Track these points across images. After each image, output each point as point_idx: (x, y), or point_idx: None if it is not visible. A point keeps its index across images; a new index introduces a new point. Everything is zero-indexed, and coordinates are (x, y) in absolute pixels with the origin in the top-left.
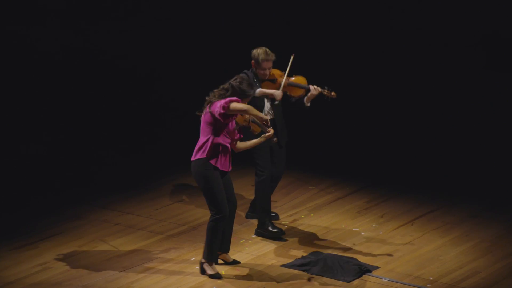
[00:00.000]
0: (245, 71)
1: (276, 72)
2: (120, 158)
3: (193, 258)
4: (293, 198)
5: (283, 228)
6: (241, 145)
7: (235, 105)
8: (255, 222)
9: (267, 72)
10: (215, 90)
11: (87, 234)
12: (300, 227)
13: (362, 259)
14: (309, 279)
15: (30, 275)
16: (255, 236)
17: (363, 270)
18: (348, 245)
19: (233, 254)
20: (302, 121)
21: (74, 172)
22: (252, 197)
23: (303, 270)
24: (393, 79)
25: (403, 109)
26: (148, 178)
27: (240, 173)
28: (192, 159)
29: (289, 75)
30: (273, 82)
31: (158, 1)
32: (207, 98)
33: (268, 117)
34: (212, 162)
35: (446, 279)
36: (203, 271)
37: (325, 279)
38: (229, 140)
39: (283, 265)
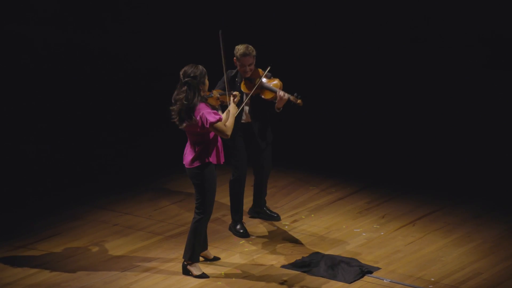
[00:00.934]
0: (228, 70)
1: (260, 71)
2: (119, 158)
3: None
4: (294, 199)
5: (284, 228)
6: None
7: (219, 126)
8: (255, 222)
9: (247, 69)
10: (177, 97)
11: (85, 235)
12: (301, 228)
13: (363, 260)
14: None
15: (28, 276)
16: (254, 236)
17: (364, 271)
18: (349, 246)
19: (232, 255)
20: (302, 121)
21: (73, 172)
22: (251, 197)
23: (304, 271)
24: (394, 79)
25: (404, 108)
26: (147, 178)
27: None
28: (189, 166)
29: (270, 78)
30: (250, 82)
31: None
32: (172, 109)
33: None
34: (214, 161)
35: (448, 280)
36: (186, 272)
37: (325, 280)
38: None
39: (284, 266)
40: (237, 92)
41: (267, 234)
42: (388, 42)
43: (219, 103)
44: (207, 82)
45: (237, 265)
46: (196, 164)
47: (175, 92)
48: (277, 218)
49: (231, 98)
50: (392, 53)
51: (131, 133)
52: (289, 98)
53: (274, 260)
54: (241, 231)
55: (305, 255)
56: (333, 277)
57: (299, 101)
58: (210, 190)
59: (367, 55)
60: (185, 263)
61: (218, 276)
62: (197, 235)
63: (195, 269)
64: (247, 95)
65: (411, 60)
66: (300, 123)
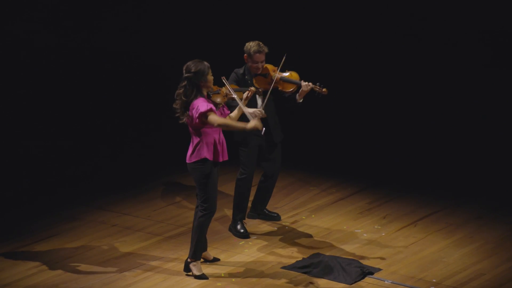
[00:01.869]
0: (236, 69)
1: (269, 66)
2: (117, 158)
3: None
4: (294, 199)
5: (284, 229)
6: (233, 116)
7: (212, 119)
8: (255, 222)
9: (260, 65)
10: (177, 92)
11: (84, 236)
12: (301, 228)
13: (364, 261)
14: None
15: (25, 277)
16: (255, 237)
17: (365, 272)
18: (350, 246)
19: (232, 256)
20: (303, 120)
21: (71, 172)
22: (252, 197)
23: (304, 272)
24: (395, 79)
25: (405, 108)
26: (146, 178)
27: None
28: (188, 161)
29: (282, 70)
30: (265, 77)
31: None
32: (175, 105)
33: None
34: (211, 158)
35: (449, 282)
36: (188, 270)
37: (326, 281)
38: (219, 130)
39: (284, 267)
40: (253, 88)
41: (267, 234)
42: (388, 41)
43: (226, 100)
44: (210, 77)
45: (237, 266)
46: (194, 159)
47: (178, 87)
48: (277, 218)
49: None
50: (392, 53)
51: (130, 133)
52: (313, 88)
53: (274, 261)
54: (242, 231)
55: (305, 256)
56: (334, 278)
57: (324, 89)
58: (210, 186)
59: (367, 55)
60: (188, 260)
61: (217, 277)
62: (201, 231)
63: (196, 269)
64: (264, 90)
65: (412, 59)
66: (300, 123)
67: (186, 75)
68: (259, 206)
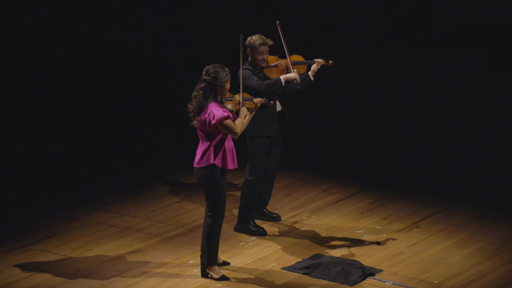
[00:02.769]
0: (245, 66)
1: (271, 57)
2: (116, 158)
3: (191, 261)
4: (295, 199)
5: (284, 230)
6: (238, 123)
7: (228, 124)
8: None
9: (265, 57)
10: (194, 94)
11: (82, 236)
12: (302, 229)
13: (365, 261)
14: None
15: (23, 278)
16: (255, 238)
17: (366, 273)
18: (351, 247)
19: (232, 257)
20: (303, 120)
21: (69, 172)
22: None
23: (305, 273)
24: (397, 79)
25: (407, 108)
26: (145, 179)
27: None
28: (196, 166)
29: (284, 56)
30: (276, 67)
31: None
32: (190, 107)
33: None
34: (220, 165)
35: (451, 283)
36: (205, 275)
37: (327, 283)
38: (228, 136)
39: (284, 268)
40: (260, 99)
41: (267, 235)
42: (390, 41)
43: (238, 108)
44: (228, 86)
45: (237, 267)
46: (202, 164)
47: (195, 89)
48: (278, 218)
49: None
50: (394, 53)
51: (129, 133)
52: (323, 64)
53: (275, 262)
54: (261, 230)
55: (306, 257)
56: (335, 280)
57: (330, 61)
58: (218, 192)
59: (370, 55)
60: (204, 265)
61: (217, 279)
62: (213, 239)
63: (214, 273)
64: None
65: (414, 59)
66: (301, 123)
67: (206, 77)
68: (260, 204)
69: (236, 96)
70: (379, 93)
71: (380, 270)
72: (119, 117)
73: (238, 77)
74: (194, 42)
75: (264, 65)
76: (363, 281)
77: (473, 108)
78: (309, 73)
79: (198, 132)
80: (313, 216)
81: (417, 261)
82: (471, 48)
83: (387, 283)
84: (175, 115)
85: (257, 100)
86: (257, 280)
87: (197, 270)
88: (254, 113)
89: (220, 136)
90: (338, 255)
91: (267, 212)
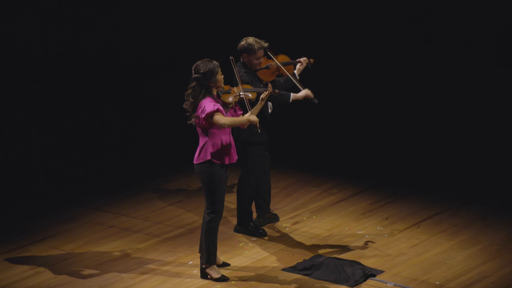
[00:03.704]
0: (245, 71)
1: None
2: (115, 159)
3: (191, 262)
4: (295, 200)
5: (285, 230)
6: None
7: (217, 119)
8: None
9: (261, 60)
10: (186, 92)
11: (80, 237)
12: (302, 230)
13: (366, 262)
14: None
15: (21, 279)
16: (255, 238)
17: (367, 274)
18: (352, 248)
19: (232, 258)
20: (304, 120)
21: (67, 172)
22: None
23: (305, 275)
24: (398, 79)
25: (408, 108)
26: (144, 179)
27: None
28: (195, 162)
29: (270, 57)
30: (267, 68)
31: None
32: (185, 106)
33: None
34: (218, 161)
35: (453, 284)
36: (205, 276)
37: (328, 284)
38: (228, 131)
39: (284, 269)
40: (269, 87)
41: (267, 236)
42: (391, 41)
43: (237, 100)
44: (220, 77)
45: (237, 268)
46: (200, 160)
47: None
48: (277, 219)
49: (260, 92)
50: (395, 53)
51: (128, 133)
52: (308, 61)
53: (275, 263)
54: (260, 231)
55: (306, 258)
56: (335, 281)
57: (311, 59)
58: (216, 188)
59: (370, 55)
60: (203, 266)
61: (217, 279)
62: (210, 236)
63: (213, 272)
64: (275, 80)
65: (415, 59)
66: (301, 123)
67: (195, 75)
68: (264, 203)
69: (235, 88)
70: (381, 93)
71: (381, 271)
72: (118, 117)
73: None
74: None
75: (259, 67)
76: (364, 282)
77: (476, 108)
78: (295, 71)
79: (197, 129)
80: (314, 217)
81: (418, 262)
82: (475, 48)
83: (388, 284)
84: (175, 115)
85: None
86: (257, 281)
87: (197, 271)
88: (264, 101)
89: (216, 131)
90: (339, 256)
91: (270, 215)
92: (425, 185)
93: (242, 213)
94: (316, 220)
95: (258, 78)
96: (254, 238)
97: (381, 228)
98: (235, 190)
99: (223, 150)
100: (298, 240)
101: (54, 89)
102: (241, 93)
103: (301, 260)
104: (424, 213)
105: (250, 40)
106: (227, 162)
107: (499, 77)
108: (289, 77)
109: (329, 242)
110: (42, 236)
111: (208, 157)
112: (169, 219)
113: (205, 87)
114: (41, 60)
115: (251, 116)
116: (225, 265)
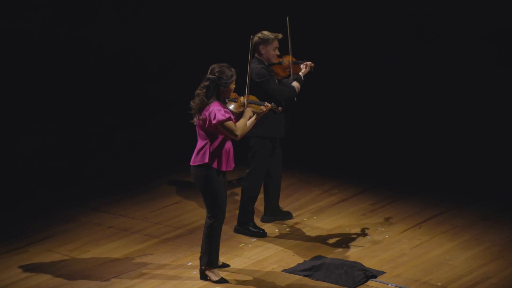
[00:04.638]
0: (257, 64)
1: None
2: (114, 159)
3: (190, 263)
4: (295, 200)
5: (285, 231)
6: (240, 125)
7: (228, 125)
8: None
9: (277, 51)
10: (197, 92)
11: (79, 238)
12: (303, 230)
13: (367, 263)
14: None
15: (19, 280)
16: (255, 239)
17: (368, 275)
18: (353, 249)
19: (232, 259)
20: (304, 121)
21: (66, 172)
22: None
23: (306, 276)
24: (399, 78)
25: (409, 108)
26: (143, 179)
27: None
28: (192, 164)
29: (280, 57)
30: (280, 64)
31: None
32: (192, 104)
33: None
34: (215, 166)
35: (455, 285)
36: (204, 277)
37: (328, 285)
38: (228, 138)
39: (285, 270)
40: (268, 104)
41: (267, 237)
42: (392, 40)
43: (242, 110)
44: (232, 87)
45: (237, 269)
46: (197, 162)
47: (199, 86)
48: (290, 216)
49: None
50: (396, 52)
51: (127, 133)
52: (311, 65)
53: (275, 264)
54: (261, 231)
55: (307, 259)
56: (336, 282)
57: (312, 64)
58: (214, 193)
59: (372, 55)
60: (202, 268)
61: (216, 281)
62: (213, 240)
63: (213, 275)
64: (289, 75)
65: (416, 59)
66: (302, 123)
67: (210, 76)
68: (274, 202)
69: (241, 98)
70: (381, 93)
71: (383, 272)
72: (118, 117)
73: (246, 78)
74: (195, 42)
75: (273, 60)
76: (365, 283)
77: (477, 108)
78: (300, 73)
79: (197, 130)
80: (314, 217)
81: (420, 263)
82: (475, 47)
83: (389, 285)
84: (173, 114)
85: (266, 105)
86: (257, 282)
87: (196, 272)
88: (259, 117)
89: (218, 136)
90: (339, 257)
91: (280, 212)
92: (427, 186)
93: (245, 211)
94: (317, 221)
95: (274, 72)
96: (254, 239)
97: (382, 229)
98: (234, 190)
99: (222, 156)
100: (299, 240)
101: (53, 89)
102: (245, 107)
103: (301, 261)
104: (426, 213)
105: (264, 32)
106: (224, 168)
107: (500, 77)
108: (296, 76)
109: (330, 243)
110: (41, 237)
111: (206, 161)
112: (168, 220)
113: (217, 91)
114: (39, 58)
115: (247, 110)
116: (224, 266)
